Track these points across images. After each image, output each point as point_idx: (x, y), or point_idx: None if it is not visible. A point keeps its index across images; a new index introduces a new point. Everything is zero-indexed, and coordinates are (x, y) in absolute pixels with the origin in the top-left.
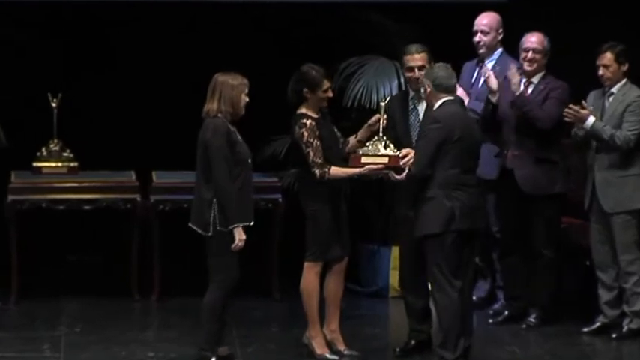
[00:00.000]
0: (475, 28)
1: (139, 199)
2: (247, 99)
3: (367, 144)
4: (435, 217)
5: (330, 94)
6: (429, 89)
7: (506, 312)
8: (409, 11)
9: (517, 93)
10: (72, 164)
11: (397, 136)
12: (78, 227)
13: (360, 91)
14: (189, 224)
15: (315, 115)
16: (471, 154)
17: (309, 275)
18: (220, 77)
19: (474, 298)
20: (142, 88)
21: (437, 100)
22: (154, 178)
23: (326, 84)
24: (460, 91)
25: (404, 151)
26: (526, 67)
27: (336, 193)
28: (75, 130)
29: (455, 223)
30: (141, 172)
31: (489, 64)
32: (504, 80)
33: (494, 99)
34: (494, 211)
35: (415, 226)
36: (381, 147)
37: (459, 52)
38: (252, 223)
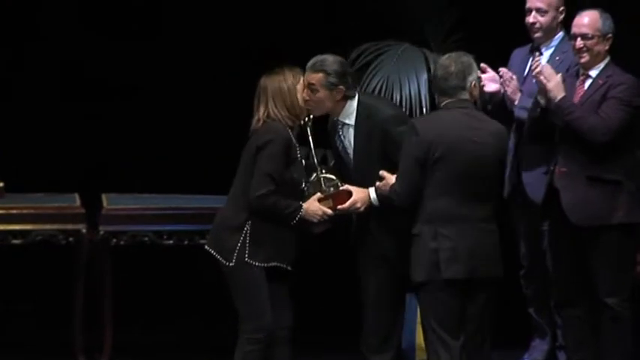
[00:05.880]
0: (528, 5)
1: (84, 230)
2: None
3: (307, 182)
4: (418, 261)
5: None
6: None
7: None
8: None
9: (557, 99)
10: None
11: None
12: (3, 267)
13: (378, 86)
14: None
15: None
16: (472, 176)
17: None
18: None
19: None
20: (87, 83)
21: (439, 105)
22: (105, 202)
23: None
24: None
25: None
26: (578, 59)
27: None
28: None
29: (440, 270)
30: (87, 195)
31: (547, 52)
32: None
33: (543, 100)
34: (549, 247)
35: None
36: (321, 184)
37: (509, 35)
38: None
